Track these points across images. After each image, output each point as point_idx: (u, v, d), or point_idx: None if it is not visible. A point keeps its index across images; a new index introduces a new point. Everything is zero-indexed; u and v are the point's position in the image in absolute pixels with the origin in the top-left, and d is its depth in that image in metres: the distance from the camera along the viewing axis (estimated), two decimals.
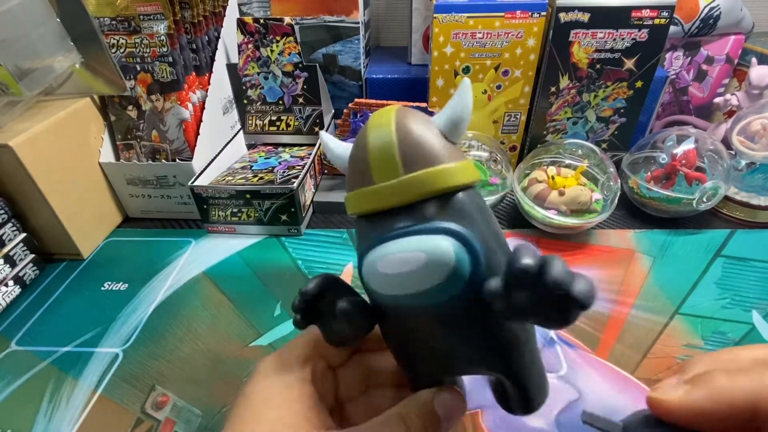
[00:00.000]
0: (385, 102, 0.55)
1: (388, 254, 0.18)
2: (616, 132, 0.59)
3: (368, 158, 0.19)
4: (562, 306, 0.15)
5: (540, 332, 0.39)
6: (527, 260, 0.16)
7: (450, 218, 0.18)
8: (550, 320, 0.16)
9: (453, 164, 0.19)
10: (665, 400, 0.15)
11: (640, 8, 0.49)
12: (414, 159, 0.18)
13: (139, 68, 0.52)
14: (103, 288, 0.46)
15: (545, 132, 0.59)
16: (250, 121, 0.64)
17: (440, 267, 0.17)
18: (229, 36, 0.59)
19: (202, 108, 0.55)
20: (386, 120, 0.19)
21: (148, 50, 0.51)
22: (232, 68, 0.60)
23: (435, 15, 0.51)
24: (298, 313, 0.22)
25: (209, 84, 0.55)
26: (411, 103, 0.55)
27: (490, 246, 0.19)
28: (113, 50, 0.51)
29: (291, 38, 0.58)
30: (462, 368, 0.22)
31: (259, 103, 0.63)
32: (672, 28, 0.58)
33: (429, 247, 0.17)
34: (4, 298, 0.44)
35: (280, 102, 0.63)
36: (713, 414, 0.14)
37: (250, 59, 0.60)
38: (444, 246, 0.17)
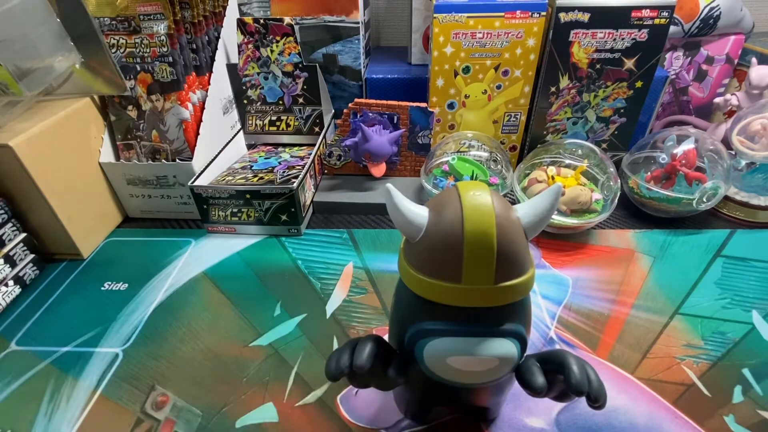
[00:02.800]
0: (385, 102, 0.55)
1: (461, 353, 0.19)
2: (616, 132, 0.59)
3: (463, 255, 0.18)
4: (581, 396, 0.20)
5: (540, 332, 0.39)
6: (584, 387, 0.19)
7: (517, 319, 0.20)
8: (566, 400, 0.21)
9: (531, 272, 0.20)
10: None
11: (640, 8, 0.49)
12: (507, 269, 0.19)
13: (139, 68, 0.52)
14: (103, 288, 0.46)
15: (545, 132, 0.59)
16: (250, 121, 0.64)
17: (505, 370, 0.19)
18: (229, 36, 0.59)
19: (202, 108, 0.55)
20: (487, 223, 0.18)
21: (148, 50, 0.51)
22: (232, 68, 0.60)
23: (435, 15, 0.51)
24: (354, 380, 0.22)
25: (209, 84, 0.55)
26: (411, 103, 0.55)
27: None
28: (113, 50, 0.51)
29: (291, 38, 0.58)
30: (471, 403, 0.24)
31: (259, 103, 0.63)
32: (672, 28, 0.58)
33: (501, 353, 0.19)
34: (4, 298, 0.44)
35: (280, 102, 0.63)
36: None
37: (250, 59, 0.60)
38: (512, 350, 0.19)
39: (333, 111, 0.68)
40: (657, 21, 0.50)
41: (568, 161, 0.52)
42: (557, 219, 0.47)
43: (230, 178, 0.55)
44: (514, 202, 0.55)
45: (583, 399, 0.20)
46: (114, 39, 0.51)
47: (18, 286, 0.45)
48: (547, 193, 0.20)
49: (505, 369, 0.19)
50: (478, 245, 0.18)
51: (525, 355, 0.21)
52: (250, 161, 0.61)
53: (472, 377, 0.20)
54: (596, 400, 0.19)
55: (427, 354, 0.20)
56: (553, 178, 0.49)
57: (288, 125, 0.64)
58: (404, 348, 0.21)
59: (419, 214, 0.20)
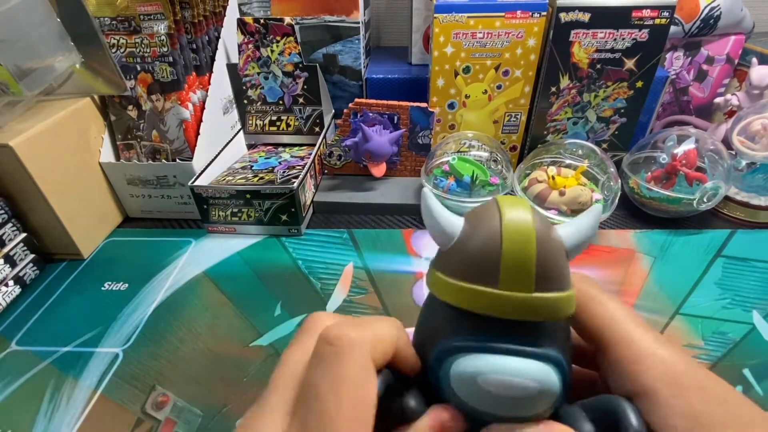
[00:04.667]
0: (385, 102, 0.55)
1: (494, 372, 0.17)
2: (616, 132, 0.59)
3: (501, 259, 0.17)
4: None
5: None
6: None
7: (557, 346, 0.18)
8: None
9: (571, 291, 0.18)
10: None
11: (640, 8, 0.49)
12: (547, 280, 0.17)
13: (139, 68, 0.52)
14: (103, 288, 0.46)
15: (545, 132, 0.59)
16: (250, 121, 0.64)
17: (544, 401, 0.17)
18: (229, 36, 0.59)
19: (203, 108, 0.55)
20: (527, 230, 0.17)
21: (148, 50, 0.51)
22: (232, 68, 0.60)
23: (435, 15, 0.51)
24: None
25: (209, 84, 0.55)
26: (412, 103, 0.55)
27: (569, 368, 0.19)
28: (113, 50, 0.51)
29: (291, 38, 0.58)
30: None
31: (259, 103, 0.63)
32: (672, 28, 0.58)
33: (543, 378, 0.17)
34: (4, 298, 0.44)
35: (281, 102, 0.63)
36: None
37: (250, 59, 0.60)
38: (554, 379, 0.17)
39: (333, 111, 0.68)
40: (657, 21, 0.50)
41: (568, 161, 0.52)
42: (557, 219, 0.47)
43: (230, 178, 0.55)
44: None
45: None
46: (114, 39, 0.51)
47: (18, 286, 0.45)
48: (589, 213, 0.19)
49: (544, 402, 0.17)
50: (518, 248, 0.17)
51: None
52: (250, 161, 0.61)
53: (505, 406, 0.17)
54: None
55: (454, 373, 0.17)
56: (553, 178, 0.49)
57: (288, 125, 0.64)
58: (428, 377, 0.19)
59: (454, 222, 0.19)
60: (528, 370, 0.17)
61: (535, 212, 0.18)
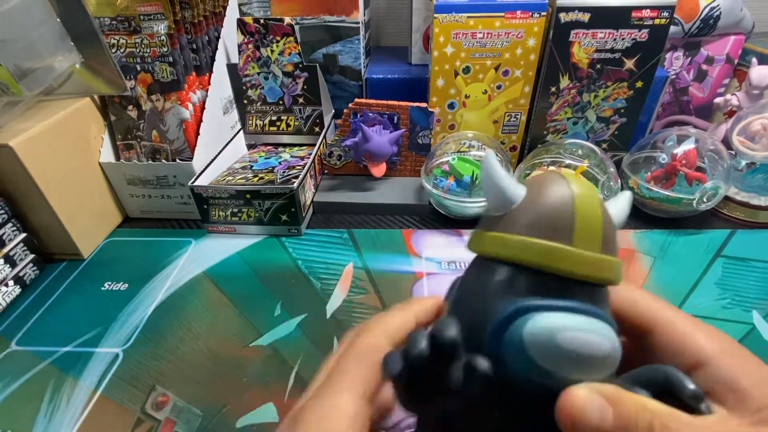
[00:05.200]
0: (385, 102, 0.55)
1: (576, 330, 0.16)
2: (616, 132, 0.59)
3: (575, 218, 0.17)
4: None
5: None
6: (699, 392, 0.17)
7: (610, 312, 0.18)
8: None
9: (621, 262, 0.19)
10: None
11: (640, 8, 0.49)
12: (610, 244, 0.18)
13: (139, 68, 0.52)
14: (103, 288, 0.46)
15: (545, 132, 0.59)
16: (250, 121, 0.64)
17: (612, 362, 0.17)
18: (229, 36, 0.59)
19: (202, 108, 0.55)
20: (594, 195, 0.18)
21: (148, 50, 0.51)
22: (232, 68, 0.60)
23: (435, 15, 0.51)
24: (404, 383, 0.17)
25: (209, 84, 0.55)
26: (411, 103, 0.55)
27: None
28: (113, 50, 0.51)
29: (291, 38, 0.58)
30: None
31: (259, 103, 0.63)
32: (672, 28, 0.58)
33: (612, 338, 0.17)
34: (4, 298, 0.44)
35: (281, 102, 0.63)
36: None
37: (250, 59, 0.60)
38: (618, 342, 0.17)
39: (333, 111, 0.68)
40: (657, 21, 0.50)
41: (568, 161, 0.52)
42: None
43: (230, 178, 0.55)
44: None
45: None
46: (114, 39, 0.51)
47: (18, 286, 0.45)
48: (623, 196, 0.21)
49: (611, 365, 0.17)
50: (589, 209, 0.18)
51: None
52: (250, 161, 0.61)
53: (579, 366, 0.17)
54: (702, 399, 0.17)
55: (529, 332, 0.16)
56: None
57: (288, 125, 0.64)
58: (482, 348, 0.18)
59: (516, 185, 0.19)
60: (602, 329, 0.17)
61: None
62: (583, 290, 0.18)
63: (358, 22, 0.63)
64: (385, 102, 0.55)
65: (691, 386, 0.17)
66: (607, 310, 0.18)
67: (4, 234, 0.45)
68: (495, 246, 0.18)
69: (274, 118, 0.64)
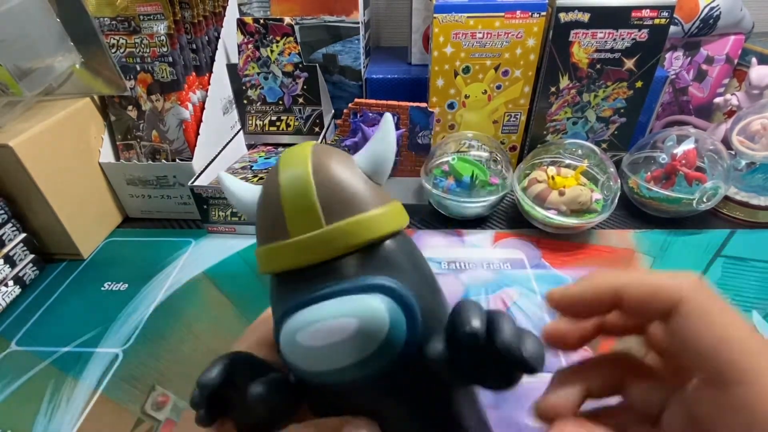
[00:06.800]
0: (385, 102, 0.55)
1: (309, 323, 0.15)
2: (616, 132, 0.59)
3: (282, 206, 0.16)
4: (509, 370, 0.15)
5: (540, 332, 0.39)
6: (475, 323, 0.14)
7: (379, 272, 0.16)
8: (495, 384, 0.15)
9: (380, 210, 0.16)
10: (552, 292, 0.20)
11: (640, 8, 0.49)
12: (336, 206, 0.16)
13: (139, 68, 0.52)
14: (103, 288, 0.46)
15: (545, 132, 0.59)
16: (250, 121, 0.64)
17: (374, 333, 0.15)
18: (229, 36, 0.59)
19: (202, 108, 0.55)
20: (301, 160, 0.16)
21: (148, 50, 0.51)
22: (232, 68, 0.60)
23: (435, 15, 0.51)
24: (200, 408, 0.17)
25: (209, 84, 0.55)
26: (411, 103, 0.55)
27: (426, 299, 0.17)
28: (113, 50, 0.51)
29: (291, 38, 0.58)
30: None
31: (259, 103, 0.63)
32: (672, 28, 0.58)
33: (359, 310, 0.15)
34: (4, 298, 0.44)
35: (280, 102, 0.63)
36: (583, 299, 0.19)
37: (250, 59, 0.60)
38: (376, 306, 0.15)
39: (333, 111, 0.68)
40: (657, 21, 0.50)
41: (568, 161, 0.52)
42: (557, 219, 0.47)
43: None
44: (514, 202, 0.55)
45: None
46: (114, 39, 0.51)
47: (18, 287, 0.45)
48: (380, 127, 0.18)
49: (373, 339, 0.15)
50: (294, 183, 0.16)
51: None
52: (250, 161, 0.61)
53: (332, 359, 0.15)
54: (534, 368, 0.14)
55: (282, 344, 0.16)
56: (553, 178, 0.49)
57: (288, 125, 0.64)
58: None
59: (251, 189, 0.18)
60: (341, 309, 0.15)
61: (318, 145, 0.17)
62: (339, 268, 0.16)
63: (358, 22, 0.63)
64: (385, 102, 0.55)
65: (506, 335, 0.14)
66: (389, 270, 0.16)
67: (4, 234, 0.45)
68: (258, 261, 0.18)
69: (273, 118, 0.64)
